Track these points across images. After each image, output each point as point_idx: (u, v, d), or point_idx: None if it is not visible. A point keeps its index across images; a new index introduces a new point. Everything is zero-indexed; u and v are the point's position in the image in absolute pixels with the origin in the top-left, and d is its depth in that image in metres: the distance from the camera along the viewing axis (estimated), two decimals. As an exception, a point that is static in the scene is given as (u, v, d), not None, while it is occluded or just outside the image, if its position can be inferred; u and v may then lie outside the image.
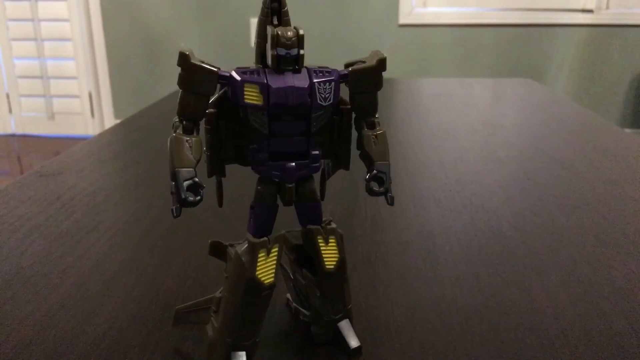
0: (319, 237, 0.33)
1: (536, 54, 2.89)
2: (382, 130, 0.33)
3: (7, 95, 3.18)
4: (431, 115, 1.05)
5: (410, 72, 2.94)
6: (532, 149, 0.83)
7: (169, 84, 3.06)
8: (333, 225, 0.33)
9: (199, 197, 0.28)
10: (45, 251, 0.49)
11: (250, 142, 0.31)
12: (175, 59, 0.29)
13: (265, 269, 0.30)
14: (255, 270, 0.30)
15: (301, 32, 0.29)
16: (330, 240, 0.33)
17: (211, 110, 0.31)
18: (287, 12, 0.30)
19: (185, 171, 0.28)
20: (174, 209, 0.28)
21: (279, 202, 0.32)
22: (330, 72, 0.30)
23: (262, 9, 0.30)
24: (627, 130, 2.32)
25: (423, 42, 2.90)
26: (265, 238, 0.31)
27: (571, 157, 0.79)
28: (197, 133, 0.30)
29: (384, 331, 0.38)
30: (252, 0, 2.89)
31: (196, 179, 0.28)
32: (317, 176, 0.33)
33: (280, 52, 0.29)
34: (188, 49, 0.29)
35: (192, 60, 0.29)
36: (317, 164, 0.32)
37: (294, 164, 0.31)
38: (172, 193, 0.28)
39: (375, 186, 0.32)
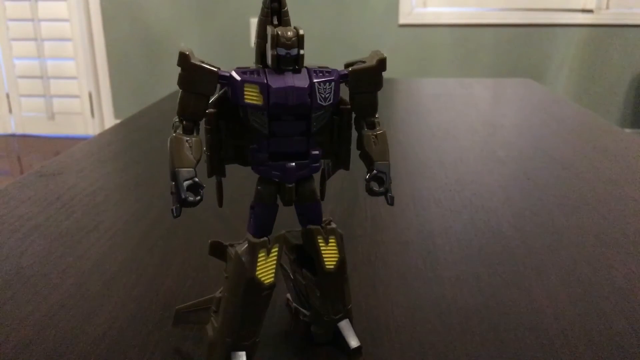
0: (319, 237, 0.33)
1: (536, 54, 2.89)
2: (382, 130, 0.33)
3: (7, 95, 3.18)
4: (431, 115, 1.05)
5: (410, 72, 2.94)
6: (532, 149, 0.83)
7: (169, 84, 3.06)
8: (333, 225, 0.33)
9: (199, 197, 0.28)
10: (45, 251, 0.49)
11: (250, 142, 0.31)
12: (175, 59, 0.29)
13: (265, 269, 0.30)
14: (255, 270, 0.30)
15: (301, 32, 0.29)
16: (330, 240, 0.33)
17: (211, 110, 0.31)
18: (287, 12, 0.30)
19: (185, 171, 0.28)
20: (174, 209, 0.28)
21: (279, 202, 0.32)
22: (330, 72, 0.30)
23: (262, 9, 0.30)
24: (627, 130, 2.32)
25: (423, 42, 2.90)
26: (265, 238, 0.31)
27: (571, 157, 0.79)
28: (197, 133, 0.30)
29: (384, 331, 0.38)
30: (252, 0, 2.89)
31: (196, 179, 0.28)
32: (317, 176, 0.33)
33: (280, 52, 0.29)
34: (188, 49, 0.29)
35: (192, 60, 0.29)
36: (317, 164, 0.32)
37: (294, 164, 0.31)
38: (172, 193, 0.28)
39: (375, 186, 0.32)
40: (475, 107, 1.13)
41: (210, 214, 0.57)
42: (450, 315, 0.40)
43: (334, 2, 2.86)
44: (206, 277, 0.45)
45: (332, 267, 0.33)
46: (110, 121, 3.18)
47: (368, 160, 0.32)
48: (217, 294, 0.33)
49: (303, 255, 0.35)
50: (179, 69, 0.29)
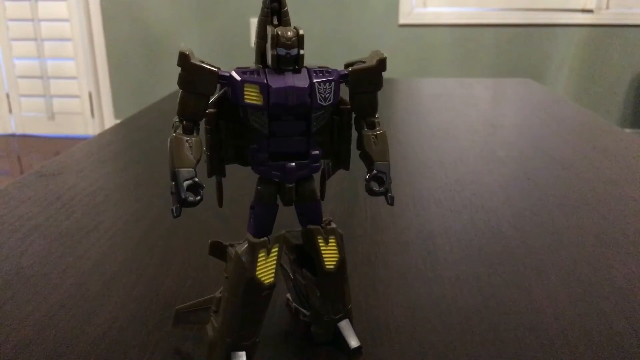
0: (319, 237, 0.33)
1: (536, 54, 2.89)
2: (382, 130, 0.33)
3: (7, 95, 3.18)
4: (431, 115, 1.05)
5: (410, 72, 2.94)
6: (532, 149, 0.83)
7: (169, 84, 3.06)
8: (333, 225, 0.33)
9: (199, 197, 0.28)
10: (45, 251, 0.49)
11: (250, 142, 0.31)
12: (175, 59, 0.29)
13: (265, 269, 0.30)
14: (255, 270, 0.30)
15: (301, 32, 0.29)
16: (330, 240, 0.33)
17: (211, 110, 0.31)
18: (287, 12, 0.30)
19: (185, 171, 0.28)
20: (174, 209, 0.28)
21: (279, 202, 0.32)
22: (330, 72, 0.30)
23: (262, 9, 0.30)
24: (627, 130, 2.32)
25: (423, 42, 2.90)
26: (265, 238, 0.31)
27: (571, 157, 0.79)
28: (197, 133, 0.30)
29: (384, 331, 0.38)
30: (252, 0, 2.89)
31: (196, 179, 0.28)
32: (317, 176, 0.33)
33: (280, 52, 0.29)
34: (188, 49, 0.29)
35: (192, 60, 0.29)
36: (317, 164, 0.32)
37: (294, 164, 0.31)
38: (172, 193, 0.28)
39: (375, 186, 0.32)
40: (475, 107, 1.13)
41: (210, 214, 0.57)
42: (450, 315, 0.40)
43: (334, 2, 2.86)
44: (206, 277, 0.45)
45: (332, 267, 0.33)
46: (110, 121, 3.18)
47: (368, 160, 0.32)
48: (217, 294, 0.33)
49: (303, 255, 0.35)
50: (179, 69, 0.29)
